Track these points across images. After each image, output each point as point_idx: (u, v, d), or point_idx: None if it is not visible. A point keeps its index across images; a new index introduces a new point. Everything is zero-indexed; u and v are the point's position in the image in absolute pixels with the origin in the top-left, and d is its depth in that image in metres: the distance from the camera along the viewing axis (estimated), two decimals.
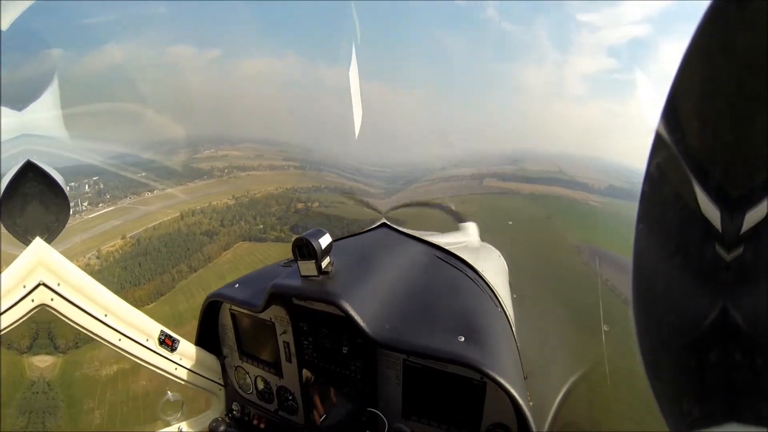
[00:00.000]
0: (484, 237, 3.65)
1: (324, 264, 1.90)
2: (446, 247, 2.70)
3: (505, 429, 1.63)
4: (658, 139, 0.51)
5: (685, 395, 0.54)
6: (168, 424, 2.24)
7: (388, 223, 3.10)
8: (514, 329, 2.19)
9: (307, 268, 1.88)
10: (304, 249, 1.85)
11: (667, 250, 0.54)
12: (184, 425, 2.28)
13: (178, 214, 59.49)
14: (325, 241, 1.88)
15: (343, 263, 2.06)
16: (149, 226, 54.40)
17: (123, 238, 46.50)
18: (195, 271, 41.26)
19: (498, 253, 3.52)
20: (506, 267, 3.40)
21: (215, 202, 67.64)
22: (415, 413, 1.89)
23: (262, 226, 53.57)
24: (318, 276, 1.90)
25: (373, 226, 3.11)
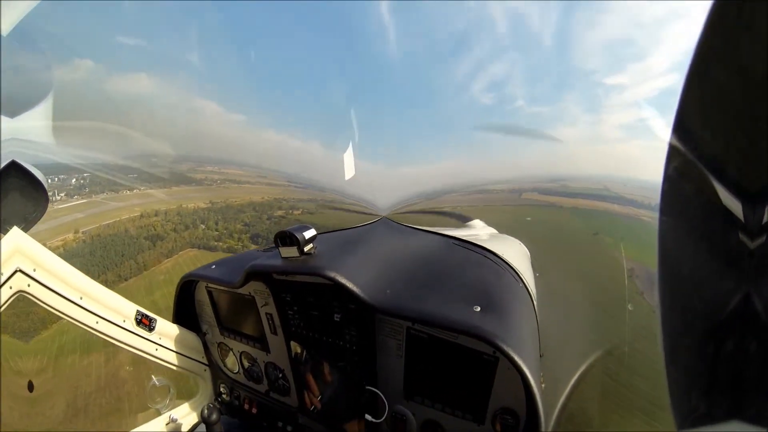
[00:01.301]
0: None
1: (306, 248, 1.74)
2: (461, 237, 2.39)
3: (513, 415, 1.42)
4: (673, 149, 0.55)
5: (696, 389, 0.54)
6: (158, 413, 2.16)
7: (389, 218, 2.73)
8: (535, 305, 1.87)
9: (289, 251, 1.75)
10: (286, 239, 1.73)
11: (690, 239, 0.56)
12: (174, 413, 2.20)
13: (138, 214, 53.21)
14: (309, 233, 1.75)
15: (330, 247, 1.86)
16: (104, 223, 49.32)
17: (76, 232, 42.58)
18: (125, 280, 33.27)
19: (518, 241, 3.18)
20: (527, 252, 3.02)
21: (189, 205, 61.92)
22: (418, 393, 1.68)
23: (217, 233, 46.40)
24: (300, 256, 1.75)
25: (369, 222, 2.71)
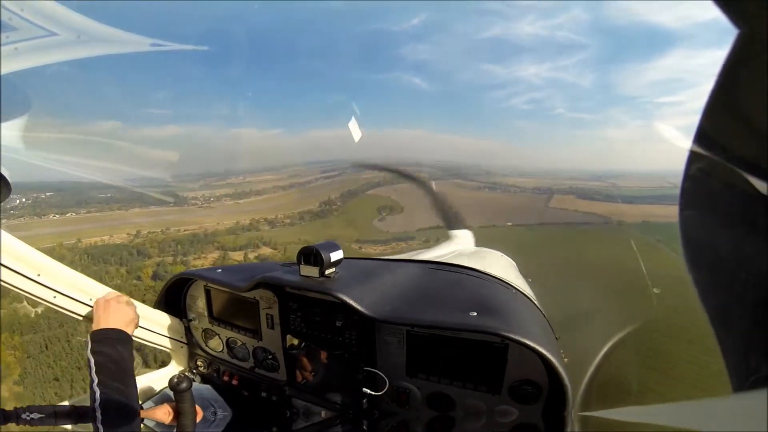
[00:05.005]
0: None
1: (328, 272, 1.83)
2: (437, 260, 2.76)
3: (534, 385, 1.51)
4: (694, 154, 0.57)
5: (755, 352, 0.51)
6: None
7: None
8: (536, 303, 2.11)
9: (309, 270, 1.81)
10: (311, 258, 1.79)
11: (723, 225, 0.57)
12: (138, 379, 2.12)
13: None
14: (336, 255, 1.83)
15: (348, 274, 1.99)
16: None
17: None
18: None
19: (500, 253, 3.43)
20: (513, 262, 3.29)
21: (91, 240, 42.09)
22: (422, 371, 1.76)
23: None
24: (319, 277, 1.83)
25: (388, 257, 3.05)
